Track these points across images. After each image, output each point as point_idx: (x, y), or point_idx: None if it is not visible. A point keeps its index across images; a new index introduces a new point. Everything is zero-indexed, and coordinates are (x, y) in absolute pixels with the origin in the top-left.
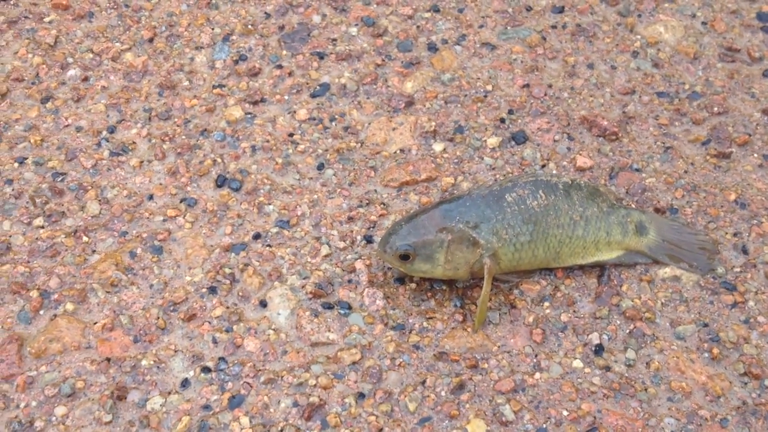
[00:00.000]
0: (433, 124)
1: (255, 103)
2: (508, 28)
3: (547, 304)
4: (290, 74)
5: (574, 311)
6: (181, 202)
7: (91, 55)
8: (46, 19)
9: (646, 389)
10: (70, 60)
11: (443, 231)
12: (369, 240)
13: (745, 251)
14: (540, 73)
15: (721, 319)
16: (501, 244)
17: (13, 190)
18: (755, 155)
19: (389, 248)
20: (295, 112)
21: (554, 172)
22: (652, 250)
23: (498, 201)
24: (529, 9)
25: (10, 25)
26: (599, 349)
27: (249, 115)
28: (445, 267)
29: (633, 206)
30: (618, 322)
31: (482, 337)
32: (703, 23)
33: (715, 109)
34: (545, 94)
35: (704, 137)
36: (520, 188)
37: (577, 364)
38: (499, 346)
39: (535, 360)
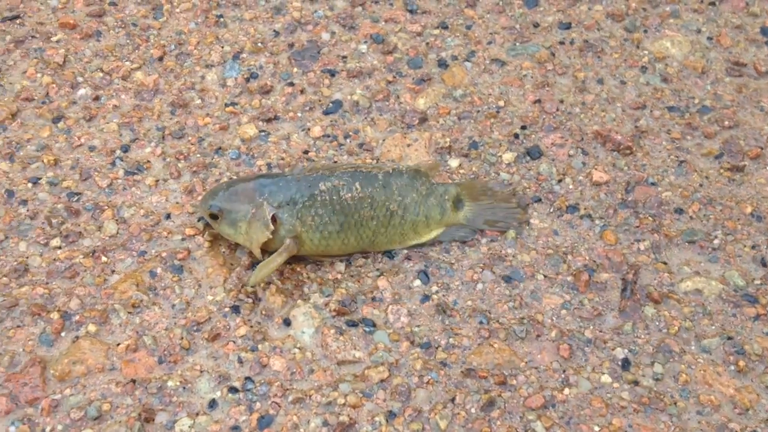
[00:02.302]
0: (448, 140)
1: (268, 120)
2: (517, 44)
3: (570, 318)
4: (302, 91)
5: (598, 326)
6: (199, 220)
7: (101, 74)
8: (54, 39)
9: (675, 403)
10: (80, 79)
11: (251, 203)
12: (390, 256)
13: (764, 263)
14: (551, 89)
15: (744, 332)
16: (305, 230)
17: (28, 210)
18: None
19: (203, 204)
20: (308, 129)
21: (380, 162)
22: (470, 220)
23: (310, 187)
24: (536, 25)
25: (17, 44)
26: (626, 364)
27: (263, 133)
28: (245, 237)
29: (450, 181)
30: (643, 336)
31: (509, 352)
32: (709, 38)
33: (726, 122)
34: (557, 110)
35: (717, 151)
36: (336, 179)
37: (606, 379)
38: (526, 362)
39: (563, 375)
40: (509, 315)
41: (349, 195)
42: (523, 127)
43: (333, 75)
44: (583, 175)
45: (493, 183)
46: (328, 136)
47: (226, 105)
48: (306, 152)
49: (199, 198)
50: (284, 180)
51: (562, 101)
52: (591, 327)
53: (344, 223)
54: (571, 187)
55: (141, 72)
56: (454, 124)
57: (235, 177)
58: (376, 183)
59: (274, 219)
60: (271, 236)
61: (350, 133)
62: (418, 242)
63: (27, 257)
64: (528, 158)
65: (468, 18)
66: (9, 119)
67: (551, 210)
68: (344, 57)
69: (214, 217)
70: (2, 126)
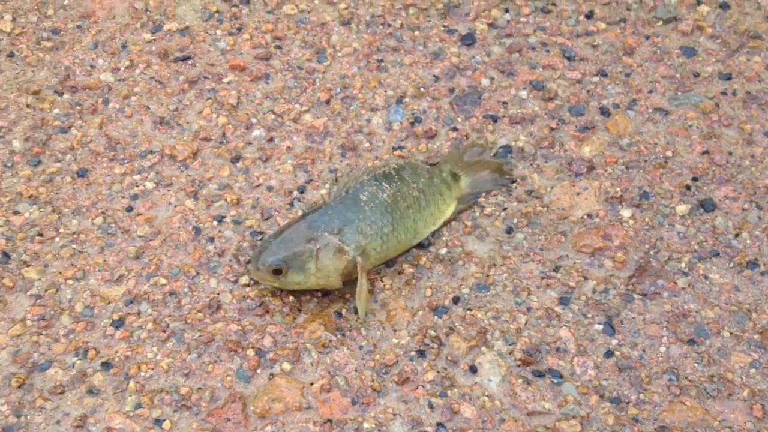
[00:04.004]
0: (618, 189)
1: (436, 165)
2: (679, 93)
3: (759, 377)
4: (466, 137)
5: None
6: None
7: (273, 116)
8: (225, 80)
9: None
10: (254, 120)
11: (311, 241)
12: (565, 302)
13: None
14: (718, 140)
15: None
16: (369, 240)
17: (215, 248)
18: None
19: (261, 265)
20: None
21: (380, 162)
22: (471, 186)
23: (355, 202)
24: (696, 75)
25: (190, 84)
26: None
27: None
28: (317, 276)
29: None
30: None
31: (702, 411)
32: None
33: None
34: (727, 162)
35: None
36: (368, 186)
37: None
38: (719, 421)
39: None
40: (698, 372)
41: (385, 195)
42: (695, 179)
43: (495, 121)
44: (759, 230)
45: (468, 150)
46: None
47: (394, 148)
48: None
49: (249, 265)
50: (329, 207)
51: (730, 153)
52: None
53: (393, 221)
54: (749, 242)
55: (310, 114)
56: (623, 174)
57: (265, 233)
58: (396, 177)
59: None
60: (349, 258)
61: (517, 180)
62: (446, 219)
63: (218, 293)
64: (702, 210)
65: (626, 66)
66: (190, 158)
67: (731, 265)
68: (505, 103)
69: (278, 272)
70: (185, 164)
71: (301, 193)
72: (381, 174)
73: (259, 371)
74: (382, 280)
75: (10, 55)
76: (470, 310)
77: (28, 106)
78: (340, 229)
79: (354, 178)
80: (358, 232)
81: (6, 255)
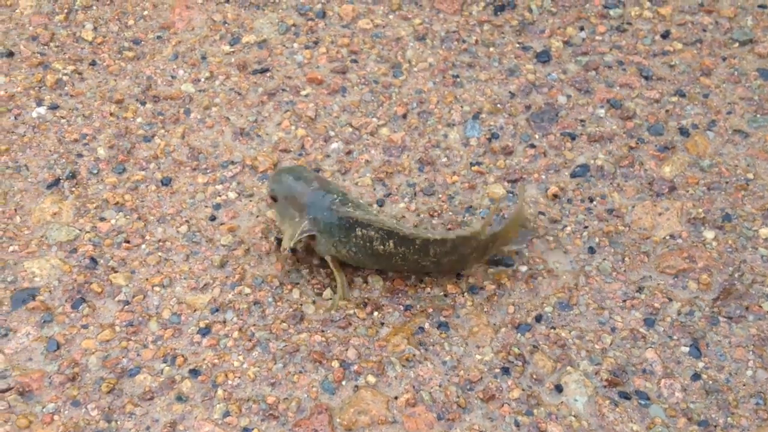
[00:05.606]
0: (700, 210)
1: (513, 181)
2: (758, 115)
3: None
4: (544, 154)
5: None
6: (458, 278)
7: (350, 129)
8: (303, 93)
9: None
10: (332, 133)
11: (300, 212)
12: (651, 325)
13: None
14: None
15: None
16: (341, 256)
17: (297, 259)
18: None
19: (270, 184)
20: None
21: (424, 226)
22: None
23: (348, 229)
24: None
25: (269, 96)
26: None
27: (510, 194)
28: (282, 227)
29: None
30: None
31: None
32: None
33: None
34: None
35: None
36: (371, 230)
37: None
38: None
39: None
40: None
41: (381, 248)
42: None
43: (573, 138)
44: None
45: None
46: (571, 200)
47: (471, 164)
48: (554, 221)
49: (274, 173)
50: (330, 212)
51: None
52: None
53: (376, 263)
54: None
55: (387, 128)
56: (704, 195)
57: (312, 169)
58: (411, 246)
59: (313, 237)
60: (288, 252)
61: (597, 198)
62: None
63: (301, 304)
64: None
65: (704, 86)
66: (271, 169)
67: None
68: (582, 121)
69: (273, 198)
70: (265, 175)
71: (380, 206)
72: (397, 234)
73: (344, 383)
74: (463, 295)
75: (93, 63)
76: (554, 328)
77: (111, 114)
78: (320, 230)
79: (383, 220)
80: (333, 246)
81: (94, 260)
